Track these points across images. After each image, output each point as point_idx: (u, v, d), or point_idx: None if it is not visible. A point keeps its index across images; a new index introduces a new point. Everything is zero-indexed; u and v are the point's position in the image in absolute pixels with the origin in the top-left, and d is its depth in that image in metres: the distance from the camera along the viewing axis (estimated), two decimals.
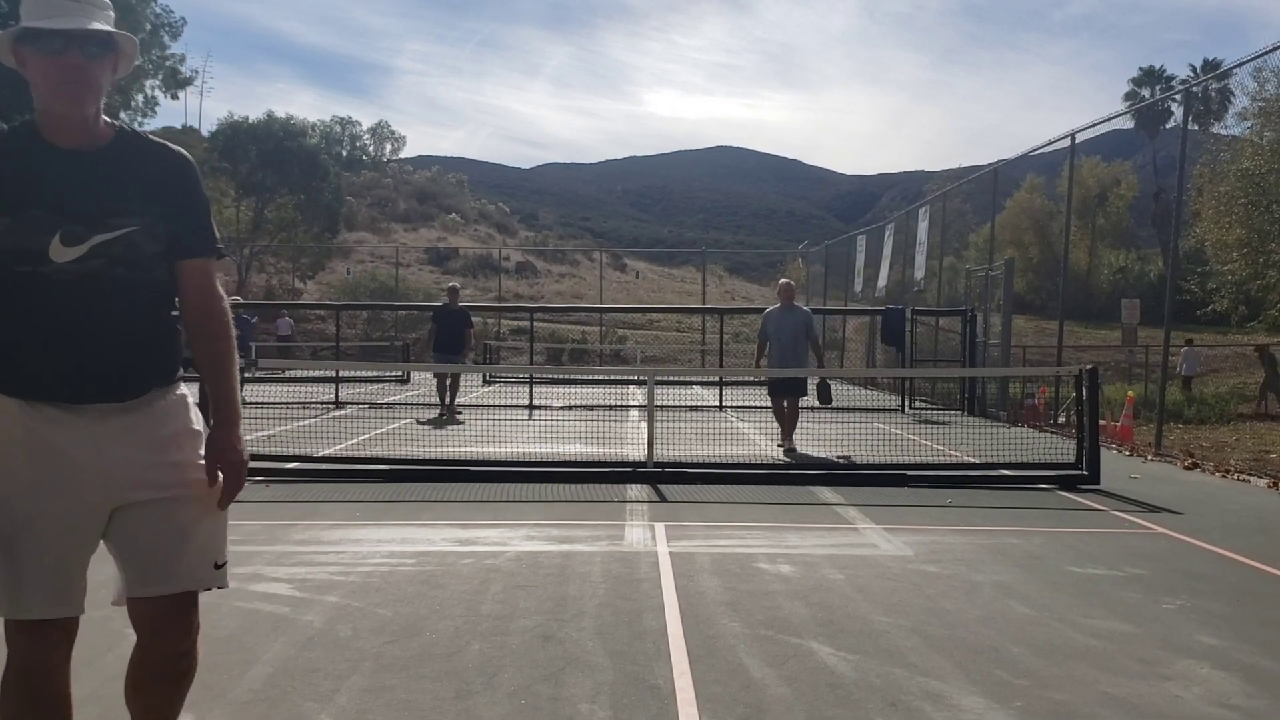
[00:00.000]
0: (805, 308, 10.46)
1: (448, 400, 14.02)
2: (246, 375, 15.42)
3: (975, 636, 4.09)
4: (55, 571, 2.11)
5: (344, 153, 67.43)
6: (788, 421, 10.10)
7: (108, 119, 2.20)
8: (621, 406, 16.16)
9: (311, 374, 20.34)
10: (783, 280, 10.75)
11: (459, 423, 12.88)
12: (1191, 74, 48.11)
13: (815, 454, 9.73)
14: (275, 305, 33.62)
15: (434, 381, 14.79)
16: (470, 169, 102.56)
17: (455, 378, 14.55)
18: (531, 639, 3.96)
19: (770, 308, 10.56)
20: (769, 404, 10.43)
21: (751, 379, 21.46)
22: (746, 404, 15.83)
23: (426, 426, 12.48)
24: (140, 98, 38.05)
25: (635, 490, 7.74)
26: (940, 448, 10.97)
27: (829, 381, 10.85)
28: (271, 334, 28.13)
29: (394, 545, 5.70)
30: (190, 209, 2.24)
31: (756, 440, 10.72)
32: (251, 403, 13.88)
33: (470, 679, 3.52)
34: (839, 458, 9.71)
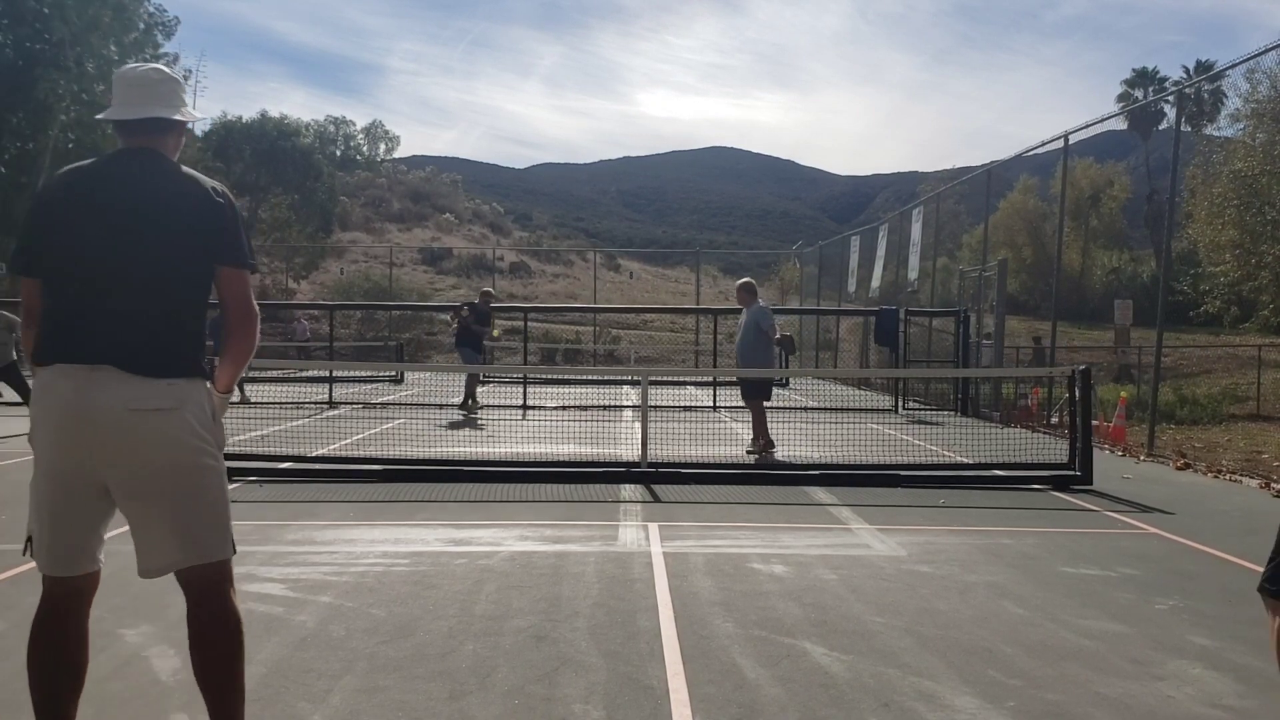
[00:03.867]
0: (760, 303, 10.36)
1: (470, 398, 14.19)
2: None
3: (968, 637, 4.10)
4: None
5: (338, 153, 67.31)
6: (753, 423, 10.05)
7: None
8: (615, 407, 16.16)
9: (305, 374, 20.29)
10: (738, 283, 10.72)
11: (473, 422, 12.90)
12: (1184, 75, 48.24)
13: (813, 455, 9.73)
14: (272, 306, 33.52)
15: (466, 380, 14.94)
16: (464, 169, 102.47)
17: (473, 377, 14.75)
18: (525, 639, 3.96)
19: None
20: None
21: (751, 379, 21.46)
22: (740, 404, 15.83)
23: (451, 429, 12.45)
24: None
25: (629, 490, 7.74)
26: (934, 448, 10.98)
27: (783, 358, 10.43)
28: (290, 335, 28.12)
29: (387, 545, 5.69)
30: None
31: (750, 440, 10.70)
32: (242, 403, 13.84)
33: (464, 679, 3.52)
34: (748, 452, 9.75)
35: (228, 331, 2.60)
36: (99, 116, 2.77)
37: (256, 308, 2.64)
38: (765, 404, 10.12)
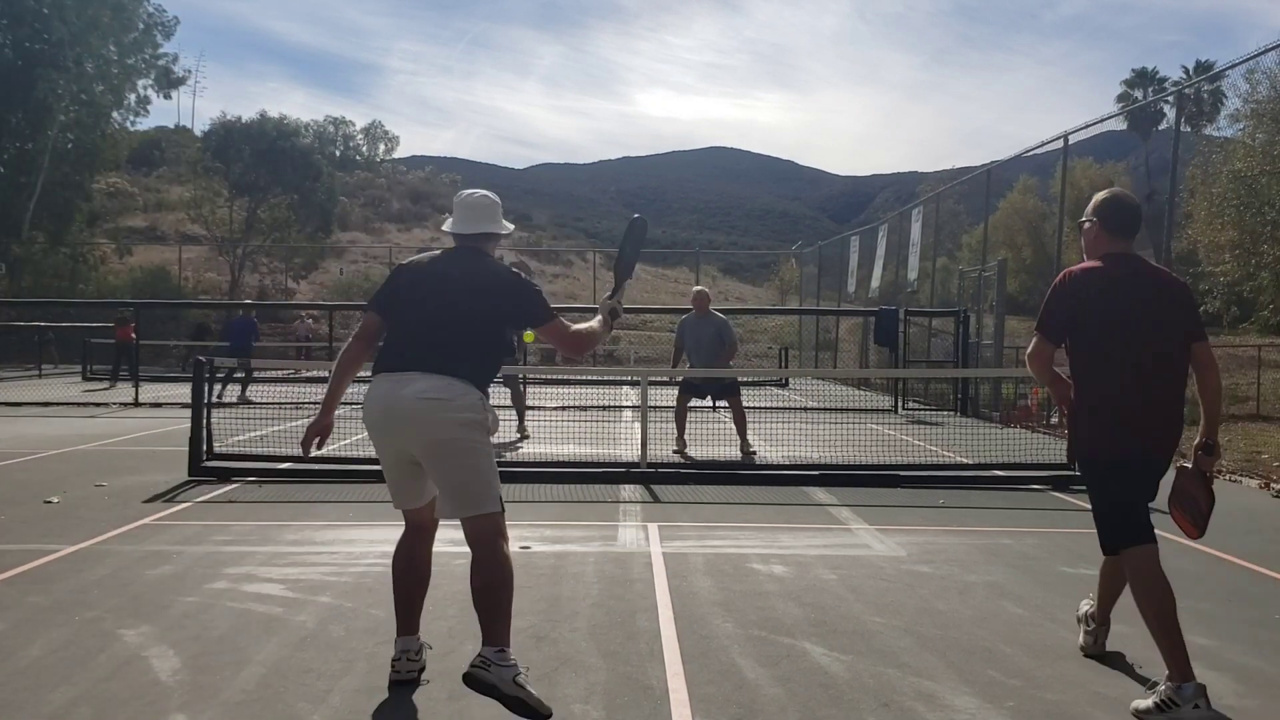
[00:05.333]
0: (720, 315, 10.45)
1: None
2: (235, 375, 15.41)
3: (968, 637, 4.10)
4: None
5: (337, 153, 67.18)
6: (737, 423, 10.04)
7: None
8: (615, 407, 16.16)
9: (307, 374, 20.27)
10: (695, 289, 10.79)
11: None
12: (1184, 75, 48.34)
13: (813, 455, 9.73)
14: (272, 306, 33.55)
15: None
16: (463, 169, 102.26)
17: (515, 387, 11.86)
18: (525, 639, 3.95)
19: (685, 315, 10.58)
20: (762, 405, 10.40)
21: (751, 379, 21.48)
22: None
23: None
24: (133, 97, 37.92)
25: (629, 491, 7.74)
26: (933, 448, 10.99)
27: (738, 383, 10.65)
28: (291, 334, 28.10)
29: (387, 546, 5.65)
30: None
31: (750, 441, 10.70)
32: (241, 403, 13.83)
33: None
34: (749, 453, 9.74)
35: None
36: (444, 228, 3.75)
37: (575, 334, 3.65)
38: (687, 407, 10.29)
